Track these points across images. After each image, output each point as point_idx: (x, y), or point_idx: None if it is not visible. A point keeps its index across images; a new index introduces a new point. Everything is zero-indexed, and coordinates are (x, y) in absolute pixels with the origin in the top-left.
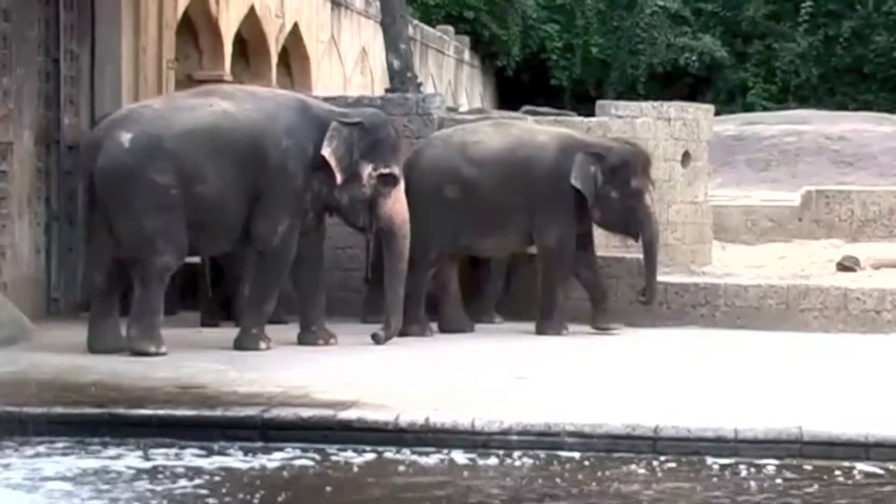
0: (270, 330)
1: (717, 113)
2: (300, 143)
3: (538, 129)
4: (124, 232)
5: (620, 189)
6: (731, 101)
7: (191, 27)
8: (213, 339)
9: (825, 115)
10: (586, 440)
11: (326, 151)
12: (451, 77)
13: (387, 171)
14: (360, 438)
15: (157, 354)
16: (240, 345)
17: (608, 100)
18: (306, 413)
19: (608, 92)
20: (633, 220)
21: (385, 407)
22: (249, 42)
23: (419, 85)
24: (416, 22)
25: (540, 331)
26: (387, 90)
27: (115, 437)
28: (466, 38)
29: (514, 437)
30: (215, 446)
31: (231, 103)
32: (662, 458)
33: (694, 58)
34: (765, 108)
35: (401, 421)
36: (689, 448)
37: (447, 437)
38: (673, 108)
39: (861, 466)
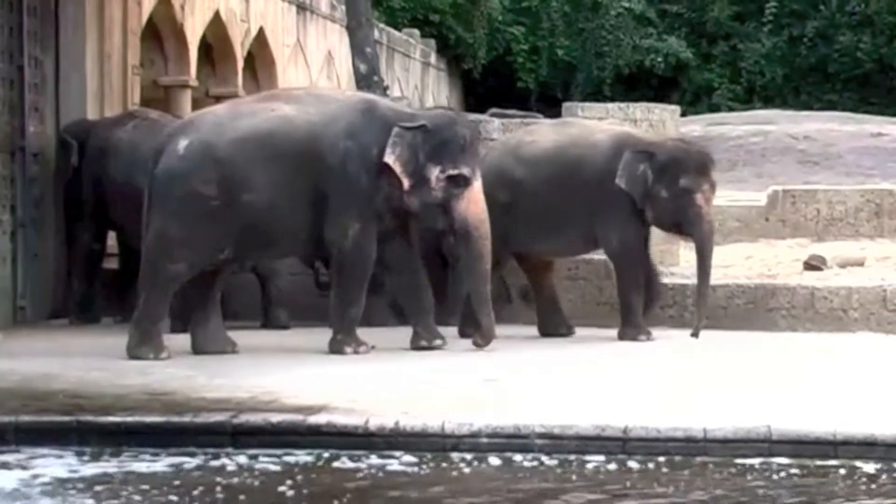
0: (257, 335)
1: (683, 114)
2: (361, 145)
3: (596, 128)
4: (151, 229)
5: (669, 188)
6: (696, 101)
7: (156, 33)
8: (182, 345)
9: (790, 115)
10: (556, 441)
11: (390, 158)
12: (417, 81)
13: (455, 172)
14: (330, 443)
15: (156, 360)
16: (331, 350)
17: (575, 102)
18: (276, 418)
19: (574, 94)
20: (683, 220)
21: (354, 411)
22: (215, 47)
23: (386, 89)
24: (382, 26)
25: (620, 336)
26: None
27: (84, 445)
28: (433, 42)
29: (484, 440)
30: (185, 452)
31: (293, 107)
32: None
33: (659, 59)
34: (730, 109)
35: (370, 425)
36: (659, 448)
37: (417, 440)
38: (639, 109)
39: (831, 464)
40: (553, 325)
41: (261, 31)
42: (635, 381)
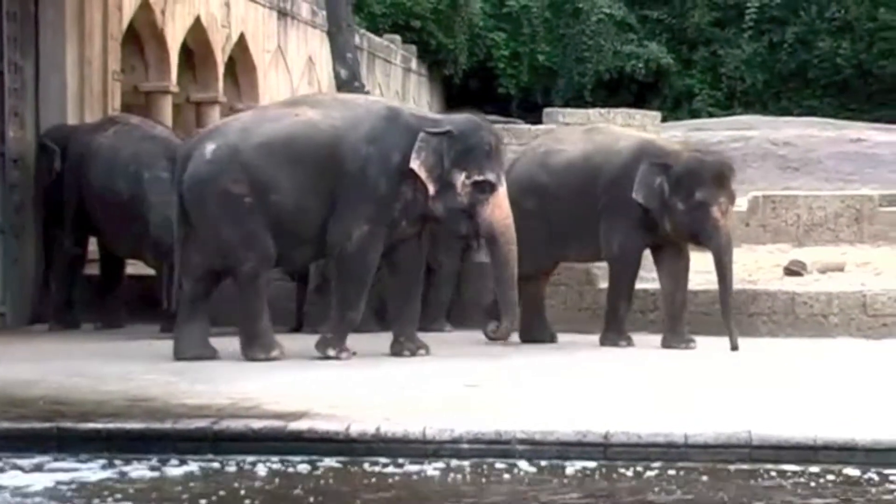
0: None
1: (664, 119)
2: (383, 151)
3: (622, 135)
4: (206, 241)
5: (686, 201)
6: (677, 107)
7: (136, 38)
8: (163, 351)
9: (771, 121)
10: (537, 447)
11: (415, 164)
12: (398, 86)
13: (481, 178)
14: (311, 449)
15: (267, 360)
16: (316, 346)
17: (555, 107)
18: (257, 424)
19: (555, 99)
20: (700, 232)
21: (336, 417)
22: (196, 53)
23: (367, 94)
24: (362, 31)
25: (602, 341)
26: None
27: (64, 452)
28: (413, 47)
29: (465, 446)
30: (166, 459)
31: (318, 112)
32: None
33: (640, 65)
34: (711, 115)
35: (351, 431)
36: (640, 454)
37: (398, 446)
38: (620, 115)
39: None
40: (537, 332)
41: (241, 37)
42: (616, 387)
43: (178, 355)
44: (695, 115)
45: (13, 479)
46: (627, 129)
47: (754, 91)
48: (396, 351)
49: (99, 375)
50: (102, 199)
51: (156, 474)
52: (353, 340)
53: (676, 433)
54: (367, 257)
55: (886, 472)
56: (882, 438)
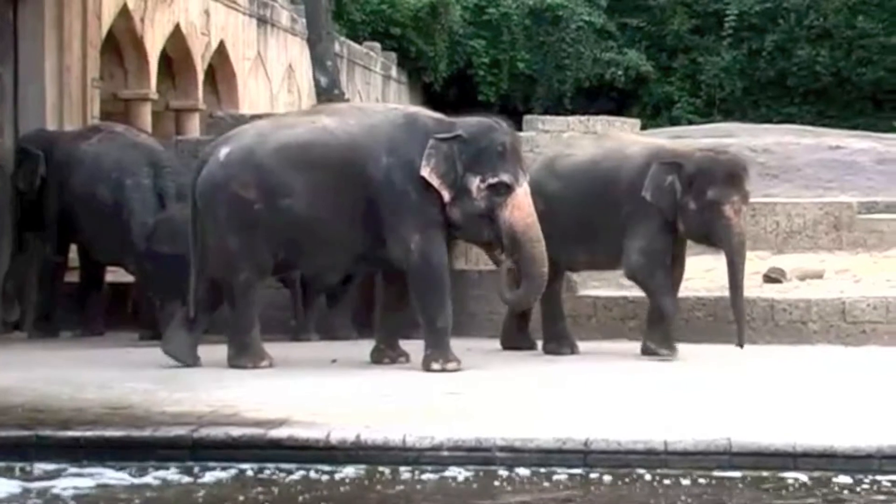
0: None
1: (644, 127)
2: (404, 158)
3: (631, 141)
4: (212, 248)
5: (697, 200)
6: (657, 114)
7: (115, 46)
8: (142, 358)
9: (750, 129)
10: (517, 455)
11: (426, 171)
12: (378, 93)
13: (495, 180)
14: (291, 457)
15: (255, 368)
16: (423, 366)
17: (535, 115)
18: (236, 432)
19: (535, 107)
20: (712, 232)
21: (316, 425)
22: (175, 60)
23: (347, 101)
24: (342, 38)
25: (643, 352)
26: (314, 107)
27: (43, 460)
28: (393, 55)
29: (446, 453)
30: (145, 467)
31: (335, 119)
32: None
33: (620, 72)
34: (690, 122)
35: (332, 438)
36: (620, 461)
37: (378, 453)
38: (599, 122)
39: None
40: (518, 339)
41: (221, 44)
42: (597, 395)
43: (164, 345)
44: (674, 122)
45: None
46: (636, 136)
47: (733, 98)
48: (379, 359)
49: (78, 383)
50: (86, 205)
51: (135, 482)
52: (333, 349)
53: (656, 440)
54: (433, 265)
55: (865, 478)
56: (861, 445)
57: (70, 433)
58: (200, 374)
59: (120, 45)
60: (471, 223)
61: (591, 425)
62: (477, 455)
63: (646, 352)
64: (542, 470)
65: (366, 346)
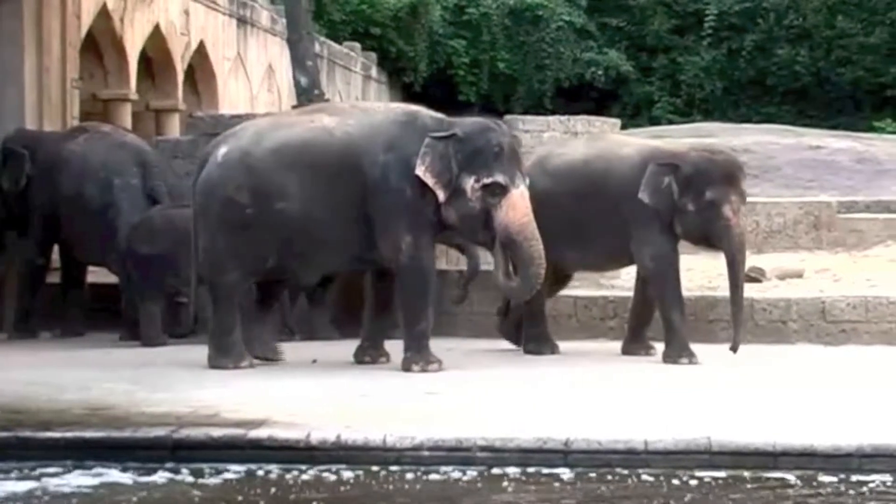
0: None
1: (624, 127)
2: (401, 157)
3: (625, 142)
4: (202, 247)
5: (696, 201)
6: (636, 114)
7: (95, 46)
8: (122, 359)
9: (730, 128)
10: (498, 454)
11: (420, 170)
12: (358, 93)
13: (489, 180)
14: (271, 457)
15: (235, 368)
16: (402, 367)
17: (516, 114)
18: (216, 433)
19: (515, 107)
20: (711, 233)
21: (296, 425)
22: (155, 60)
23: (327, 102)
24: (322, 38)
25: (664, 359)
26: (294, 107)
27: (23, 461)
28: (373, 55)
29: (426, 453)
30: (125, 468)
31: (335, 119)
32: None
33: (600, 72)
34: (670, 122)
35: (312, 439)
36: (601, 460)
37: (358, 454)
38: (580, 122)
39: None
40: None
41: (201, 45)
42: (577, 394)
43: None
44: (654, 122)
45: None
46: (629, 137)
47: (713, 98)
48: (361, 359)
49: (58, 384)
50: (72, 205)
51: (115, 483)
52: (313, 349)
53: (636, 440)
54: (422, 267)
55: (845, 478)
56: (841, 444)
57: (50, 434)
58: (180, 374)
59: (99, 45)
60: (466, 223)
61: (571, 425)
62: (457, 455)
63: (666, 360)
64: (530, 470)
65: (346, 346)
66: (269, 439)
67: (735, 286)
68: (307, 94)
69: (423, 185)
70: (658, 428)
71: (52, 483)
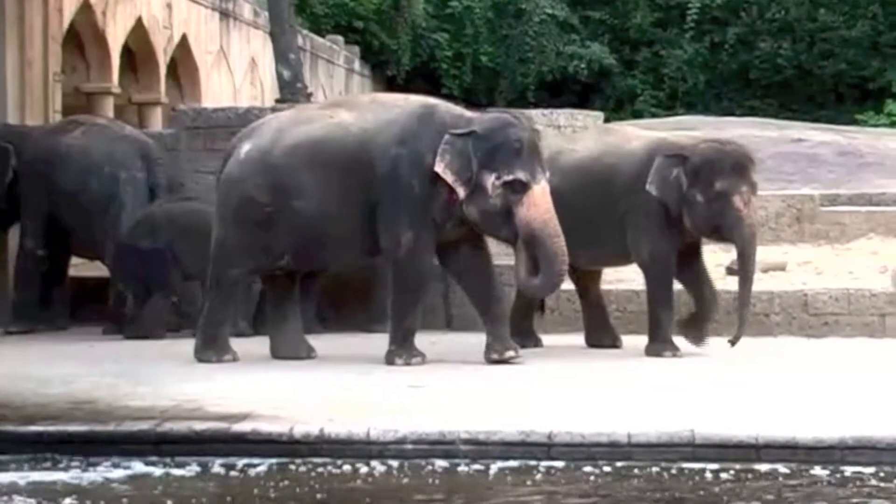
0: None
1: (607, 120)
2: (415, 151)
3: (634, 136)
4: (213, 239)
5: (705, 192)
6: (619, 108)
7: (77, 39)
8: (106, 353)
9: (713, 121)
10: (481, 447)
11: (440, 167)
12: (341, 87)
13: (510, 177)
14: (255, 451)
15: (219, 362)
16: (386, 360)
17: (499, 108)
18: (200, 426)
19: (498, 100)
20: (722, 225)
21: (279, 419)
22: (137, 54)
23: (309, 95)
24: (305, 32)
25: (647, 353)
26: (277, 101)
27: (6, 455)
28: (356, 48)
29: (409, 446)
30: (109, 462)
31: (353, 114)
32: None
33: (583, 65)
34: (653, 115)
35: (295, 432)
36: (584, 454)
37: (342, 447)
38: (563, 115)
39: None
40: (598, 336)
41: (184, 38)
42: (560, 387)
43: (274, 354)
44: (637, 115)
45: None
46: (638, 130)
47: (696, 91)
48: (487, 355)
49: (42, 378)
50: (75, 200)
51: (99, 477)
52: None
53: (620, 432)
54: (419, 264)
55: (827, 470)
56: (823, 437)
57: (33, 428)
58: (164, 368)
59: (82, 38)
60: (487, 220)
61: (554, 418)
62: (440, 448)
63: (649, 353)
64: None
65: (330, 340)
66: (252, 433)
67: (745, 279)
68: (290, 88)
69: (434, 181)
70: (641, 421)
71: (36, 476)
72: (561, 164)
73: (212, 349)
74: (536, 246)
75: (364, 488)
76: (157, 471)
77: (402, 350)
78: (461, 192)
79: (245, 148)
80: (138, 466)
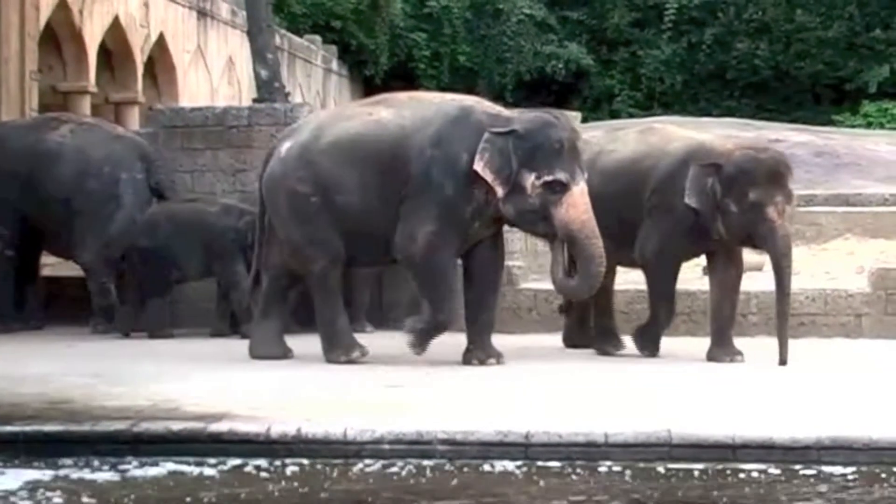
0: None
1: (585, 120)
2: (449, 152)
3: (675, 137)
4: (284, 243)
5: (739, 202)
6: (597, 108)
7: (54, 38)
8: (83, 352)
9: (691, 122)
10: (458, 447)
11: (479, 166)
12: (319, 87)
13: (550, 178)
14: (232, 451)
15: (349, 362)
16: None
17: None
18: (176, 426)
19: None
20: (755, 235)
21: (256, 418)
22: (114, 52)
23: (287, 95)
24: (283, 31)
25: (635, 345)
26: (254, 100)
27: None
28: (334, 48)
29: (387, 447)
30: (85, 462)
31: (392, 111)
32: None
33: (560, 65)
34: (631, 115)
35: (272, 432)
36: (561, 453)
37: (319, 447)
38: None
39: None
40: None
41: (161, 37)
42: (538, 387)
43: (252, 353)
44: (615, 115)
45: None
46: (682, 130)
47: (673, 92)
48: (467, 359)
49: (17, 377)
50: (63, 200)
51: (76, 477)
52: None
53: (597, 432)
54: (435, 259)
55: (804, 470)
56: (799, 437)
57: (8, 428)
58: (142, 368)
59: (58, 37)
60: (524, 219)
61: (532, 418)
62: (418, 448)
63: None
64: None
65: (307, 339)
66: (229, 433)
67: (783, 293)
68: (267, 87)
69: (468, 182)
70: (618, 421)
71: (14, 476)
72: (601, 166)
73: (338, 349)
74: (574, 247)
75: (341, 488)
76: (134, 470)
77: (421, 341)
78: (500, 191)
79: (285, 146)
80: (114, 466)
